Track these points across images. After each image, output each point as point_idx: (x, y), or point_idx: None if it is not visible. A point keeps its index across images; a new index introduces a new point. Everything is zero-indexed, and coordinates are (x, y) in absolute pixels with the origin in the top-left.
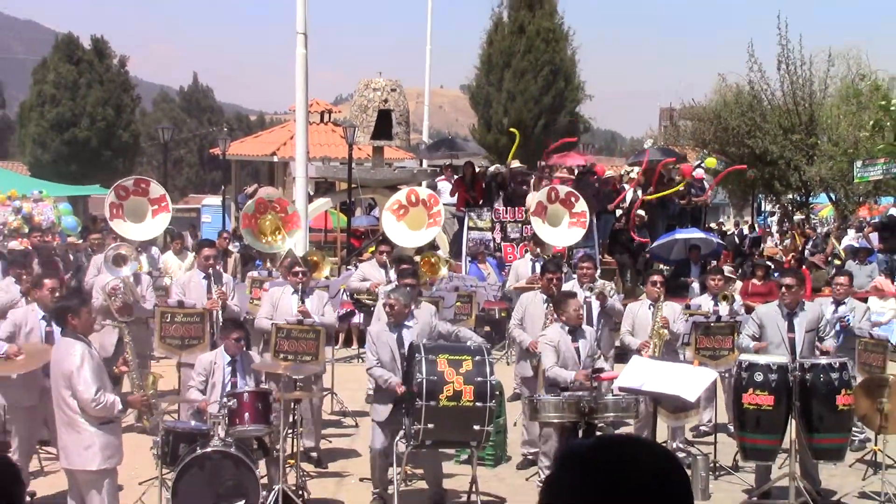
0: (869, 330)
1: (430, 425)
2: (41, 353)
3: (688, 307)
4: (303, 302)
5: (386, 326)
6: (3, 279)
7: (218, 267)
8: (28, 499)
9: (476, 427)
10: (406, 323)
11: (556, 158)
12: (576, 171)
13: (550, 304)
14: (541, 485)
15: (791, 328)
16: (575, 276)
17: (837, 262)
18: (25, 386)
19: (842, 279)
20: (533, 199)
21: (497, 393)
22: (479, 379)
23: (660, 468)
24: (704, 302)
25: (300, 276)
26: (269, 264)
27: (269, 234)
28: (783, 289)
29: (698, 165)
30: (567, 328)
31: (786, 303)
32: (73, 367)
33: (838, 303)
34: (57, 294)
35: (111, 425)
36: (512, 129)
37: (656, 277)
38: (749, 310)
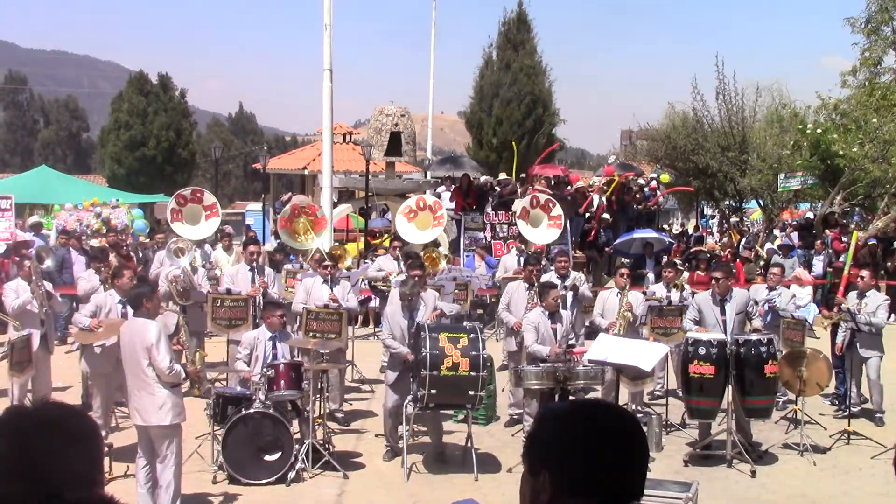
0: (791, 311)
1: (433, 391)
2: (116, 326)
3: (643, 293)
4: (332, 290)
5: (400, 309)
6: (86, 270)
7: (260, 261)
8: (106, 449)
9: (471, 392)
10: (416, 307)
11: (537, 169)
12: (552, 182)
13: (532, 291)
14: (525, 439)
15: (723, 311)
16: (552, 268)
17: (762, 261)
18: (105, 356)
19: (775, 269)
20: (518, 204)
21: (488, 364)
22: (473, 353)
23: (620, 424)
24: (659, 290)
25: (328, 268)
26: (301, 258)
27: (302, 233)
28: (713, 280)
29: (653, 178)
30: (547, 313)
31: (717, 292)
32: (153, 342)
33: (771, 289)
34: (133, 282)
35: (177, 388)
36: (513, 143)
37: (623, 270)
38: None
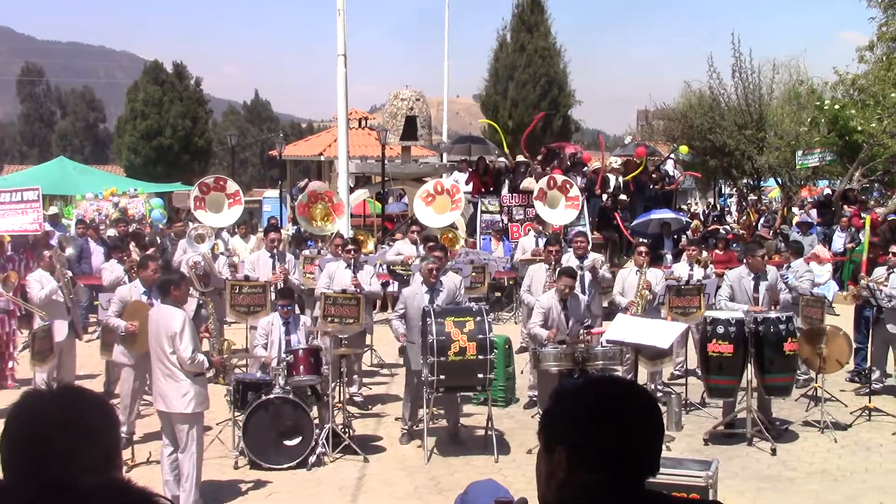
0: (809, 289)
1: (441, 376)
2: (143, 312)
3: (663, 271)
4: (355, 275)
5: (420, 288)
6: (109, 261)
7: (281, 247)
8: (128, 437)
9: (480, 375)
10: (437, 287)
11: (553, 146)
12: (568, 157)
13: (550, 272)
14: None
15: (756, 289)
16: (571, 249)
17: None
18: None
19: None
20: (535, 185)
21: (506, 346)
22: (480, 336)
23: (635, 399)
24: (680, 268)
25: (351, 252)
26: (320, 244)
27: (319, 219)
28: (753, 257)
29: (671, 153)
30: (558, 297)
31: (752, 269)
32: (177, 331)
33: (787, 268)
34: (157, 274)
35: (201, 377)
36: (489, 122)
37: (642, 248)
38: (718, 275)
